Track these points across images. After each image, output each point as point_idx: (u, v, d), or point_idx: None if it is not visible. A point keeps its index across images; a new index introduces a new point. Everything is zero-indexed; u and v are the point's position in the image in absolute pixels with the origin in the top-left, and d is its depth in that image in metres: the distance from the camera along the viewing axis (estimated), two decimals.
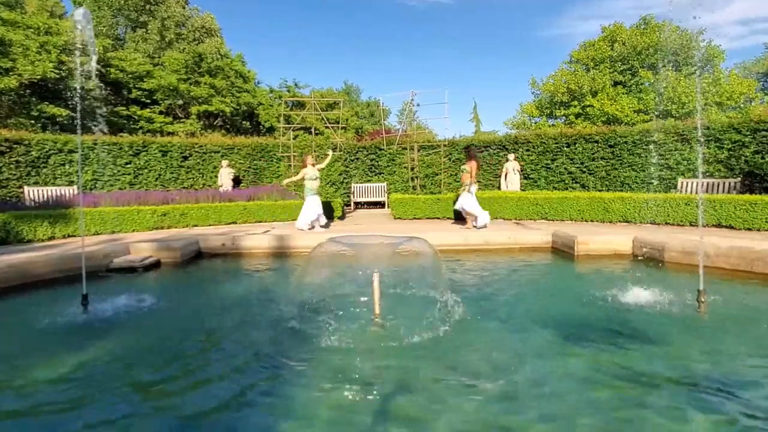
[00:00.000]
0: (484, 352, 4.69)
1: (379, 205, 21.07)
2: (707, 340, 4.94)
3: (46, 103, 26.04)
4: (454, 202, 13.87)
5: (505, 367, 4.31)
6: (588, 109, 32.93)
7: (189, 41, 35.03)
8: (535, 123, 37.09)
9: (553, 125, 35.26)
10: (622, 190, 16.39)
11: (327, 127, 26.49)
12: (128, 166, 18.42)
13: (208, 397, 3.85)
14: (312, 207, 12.91)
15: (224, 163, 19.18)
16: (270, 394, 3.87)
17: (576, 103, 33.90)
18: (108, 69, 29.05)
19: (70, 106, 25.55)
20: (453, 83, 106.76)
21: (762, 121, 14.17)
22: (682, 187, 15.16)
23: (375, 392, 3.84)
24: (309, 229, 12.83)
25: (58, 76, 25.49)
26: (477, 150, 19.55)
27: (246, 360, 4.57)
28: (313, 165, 13.33)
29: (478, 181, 13.00)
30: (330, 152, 14.65)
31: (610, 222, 13.37)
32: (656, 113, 30.49)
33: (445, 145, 19.80)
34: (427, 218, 16.05)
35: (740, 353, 4.56)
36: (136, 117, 31.09)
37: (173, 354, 4.82)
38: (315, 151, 19.99)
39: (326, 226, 13.49)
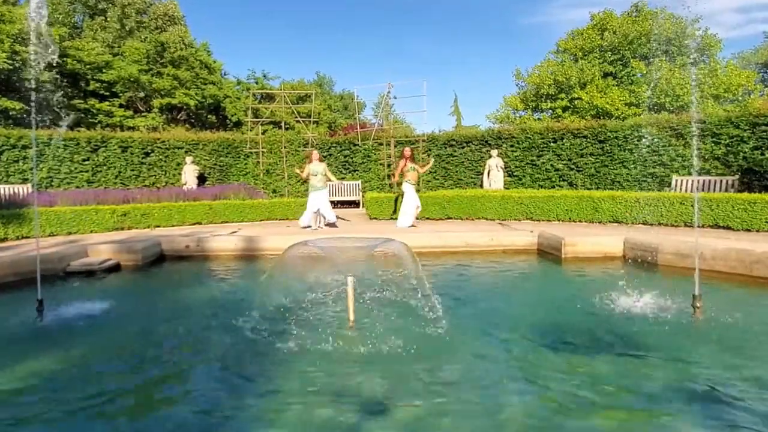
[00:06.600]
0: (464, 362, 4.65)
1: (354, 204, 20.83)
2: (702, 348, 4.90)
3: None
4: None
5: (487, 378, 4.28)
6: (576, 102, 32.93)
7: (151, 30, 34.35)
8: (520, 117, 36.85)
9: (538, 119, 35.19)
10: (612, 189, 16.30)
11: (298, 121, 26.37)
12: (86, 162, 18.23)
13: (168, 411, 3.83)
14: (311, 204, 13.38)
15: (188, 159, 18.94)
16: (234, 407, 3.80)
17: (563, 95, 33.85)
18: (64, 59, 28.50)
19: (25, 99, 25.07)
20: (432, 74, 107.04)
21: (761, 114, 14.16)
22: (676, 185, 15.11)
23: (349, 404, 3.79)
24: (307, 227, 13.35)
25: (11, 67, 24.98)
26: (458, 146, 19.48)
27: (209, 370, 4.57)
28: (320, 160, 13.86)
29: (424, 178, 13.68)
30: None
31: (599, 222, 13.23)
32: (649, 106, 30.56)
33: (423, 141, 19.66)
34: None
35: (737, 361, 4.54)
36: (94, 110, 30.58)
37: (131, 364, 4.78)
38: (285, 147, 19.84)
39: (333, 224, 13.73)
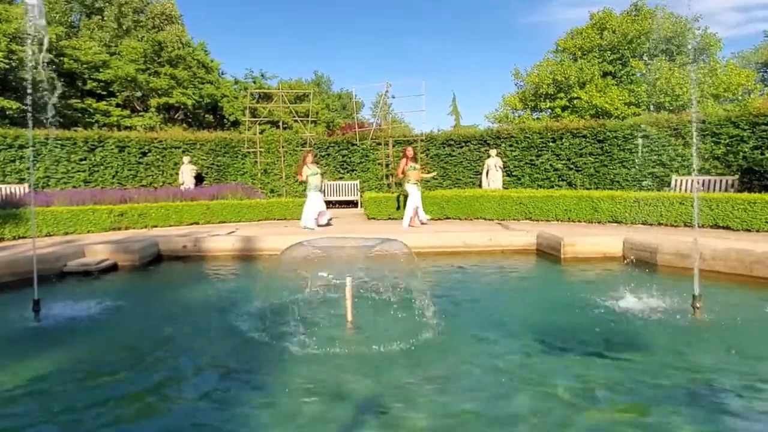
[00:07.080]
0: (462, 363, 4.63)
1: (352, 204, 20.82)
2: (702, 348, 4.90)
3: None
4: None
5: (485, 380, 4.26)
6: (575, 102, 32.92)
7: (148, 29, 34.30)
8: (519, 116, 36.87)
9: (537, 119, 35.15)
10: (611, 189, 16.26)
11: (296, 121, 26.29)
12: (83, 162, 18.22)
13: (166, 412, 3.81)
14: (314, 204, 13.51)
15: (185, 159, 18.92)
16: (233, 411, 3.76)
17: (562, 95, 33.85)
18: (61, 59, 28.41)
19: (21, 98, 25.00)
20: (431, 74, 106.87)
21: (761, 114, 14.15)
22: (676, 185, 15.09)
23: (348, 405, 3.78)
24: (310, 227, 13.32)
25: (7, 67, 24.91)
26: (457, 145, 19.50)
27: (207, 372, 4.54)
28: (314, 163, 14.05)
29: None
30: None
31: (599, 222, 13.20)
32: (648, 106, 30.53)
33: (422, 140, 19.65)
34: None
35: (737, 361, 4.52)
36: (91, 110, 30.48)
37: (127, 366, 4.72)
38: (283, 146, 19.85)
39: (327, 224, 13.84)
